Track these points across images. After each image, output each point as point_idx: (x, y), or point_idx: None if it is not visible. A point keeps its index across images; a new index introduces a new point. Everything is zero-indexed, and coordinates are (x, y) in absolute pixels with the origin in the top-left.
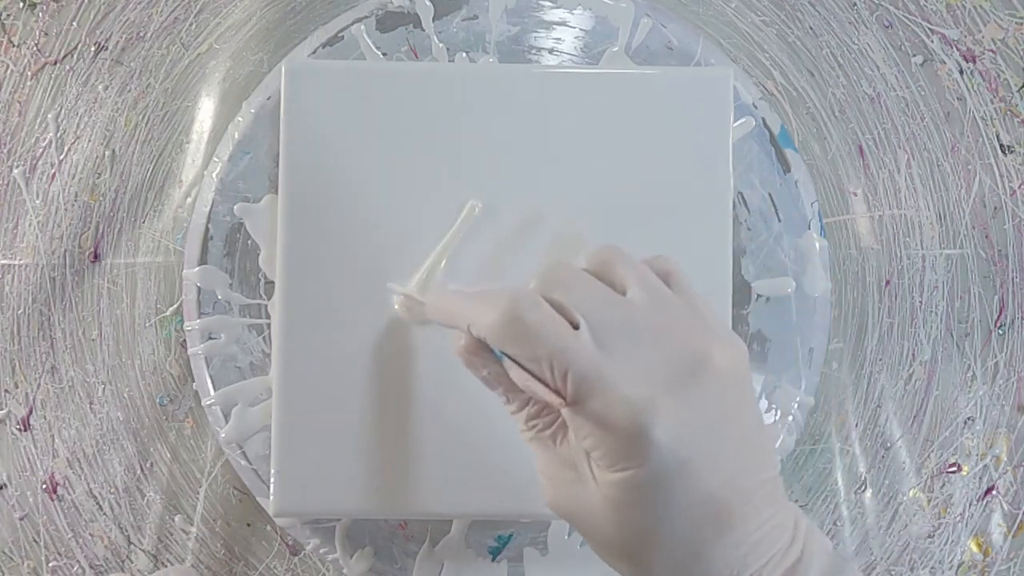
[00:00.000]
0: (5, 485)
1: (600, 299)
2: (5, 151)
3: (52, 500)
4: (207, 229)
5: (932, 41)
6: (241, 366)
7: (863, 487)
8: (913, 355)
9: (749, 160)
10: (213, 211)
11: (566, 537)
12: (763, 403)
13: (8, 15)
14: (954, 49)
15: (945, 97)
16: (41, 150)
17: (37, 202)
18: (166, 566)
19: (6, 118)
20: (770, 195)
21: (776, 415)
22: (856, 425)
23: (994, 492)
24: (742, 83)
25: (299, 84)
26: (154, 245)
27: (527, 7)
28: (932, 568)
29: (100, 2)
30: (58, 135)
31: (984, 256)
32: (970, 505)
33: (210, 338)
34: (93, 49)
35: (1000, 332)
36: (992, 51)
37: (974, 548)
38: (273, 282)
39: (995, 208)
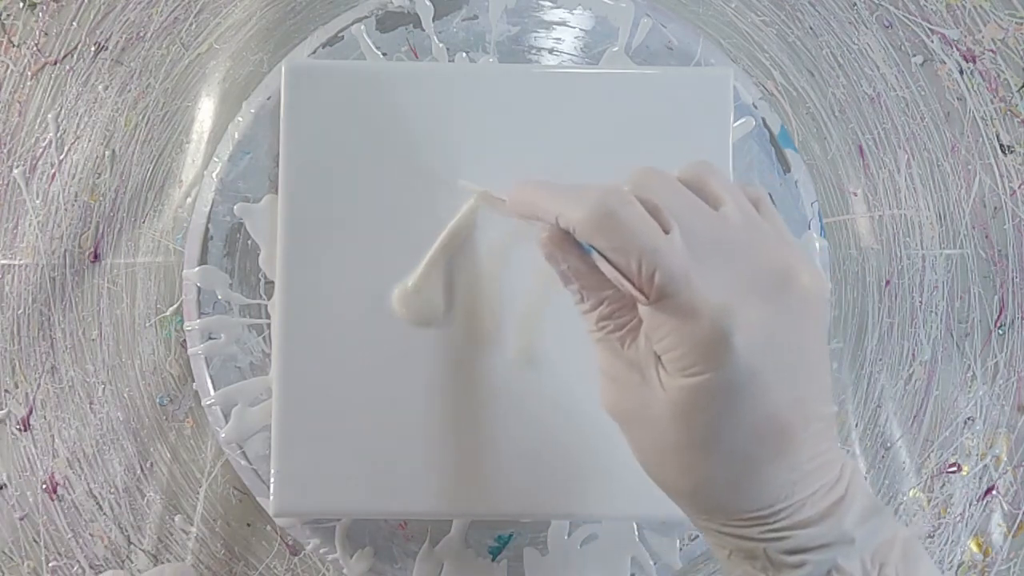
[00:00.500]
0: (5, 485)
1: (693, 208)
2: (5, 151)
3: (52, 500)
4: (207, 229)
5: (932, 41)
6: (241, 366)
7: None
8: (913, 355)
9: (749, 160)
10: (213, 211)
11: (566, 537)
12: None
13: (8, 15)
14: (954, 49)
15: (945, 97)
16: (41, 150)
17: (37, 202)
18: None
19: (6, 118)
20: (770, 195)
21: None
22: (856, 425)
23: (994, 492)
24: (742, 83)
25: (299, 84)
26: (154, 245)
27: (527, 7)
28: None
29: (100, 2)
30: (58, 135)
31: (984, 256)
32: (970, 505)
33: (210, 338)
34: (93, 49)
35: (1000, 332)
36: (992, 51)
37: (974, 548)
38: (273, 282)
39: (995, 208)
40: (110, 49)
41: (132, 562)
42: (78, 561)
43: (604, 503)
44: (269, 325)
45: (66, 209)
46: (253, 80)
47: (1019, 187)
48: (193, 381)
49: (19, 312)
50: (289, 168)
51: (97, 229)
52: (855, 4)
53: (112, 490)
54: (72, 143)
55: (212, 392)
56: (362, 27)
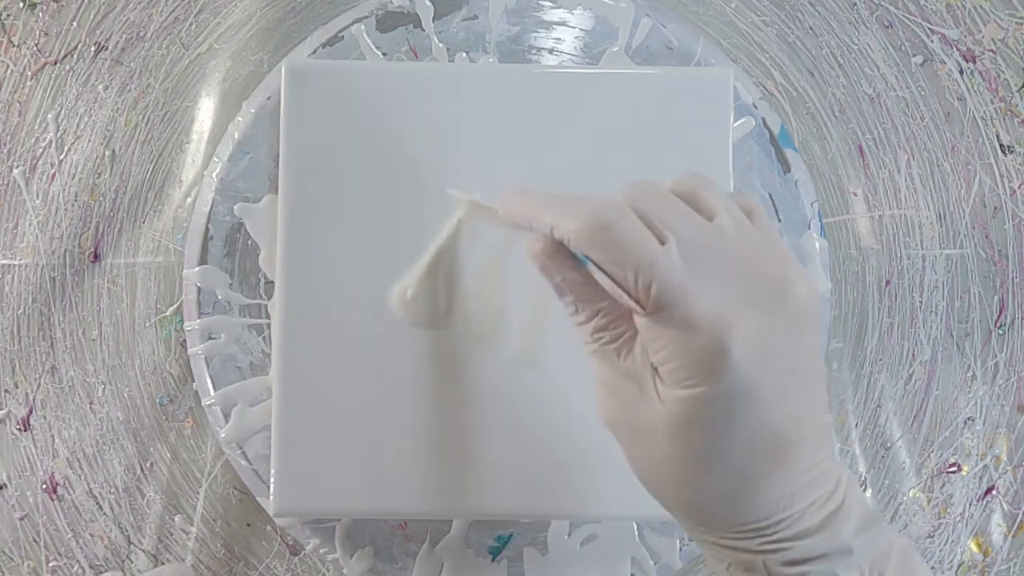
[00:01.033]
0: (5, 485)
1: (688, 219)
2: (5, 151)
3: (52, 500)
4: (207, 229)
5: (932, 41)
6: (241, 366)
7: (863, 487)
8: (913, 355)
9: (749, 160)
10: (213, 211)
11: (566, 537)
12: None
13: (8, 15)
14: (954, 49)
15: (945, 97)
16: (41, 150)
17: (37, 202)
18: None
19: (6, 118)
20: (770, 195)
21: None
22: (856, 425)
23: (994, 492)
24: (742, 83)
25: (299, 84)
26: (154, 245)
27: (527, 7)
28: (932, 568)
29: (100, 2)
30: (58, 135)
31: (984, 256)
32: (970, 505)
33: (210, 338)
34: (93, 49)
35: (1000, 332)
36: (992, 51)
37: (974, 548)
38: (273, 282)
39: (995, 208)
40: (110, 49)
41: (132, 562)
42: (78, 561)
43: (604, 503)
44: (269, 325)
45: (66, 209)
46: (253, 80)
47: (1019, 187)
48: (193, 381)
49: (19, 312)
50: (289, 168)
51: (97, 229)
52: (855, 4)
53: (112, 490)
54: (72, 143)
55: (212, 392)
56: (362, 27)
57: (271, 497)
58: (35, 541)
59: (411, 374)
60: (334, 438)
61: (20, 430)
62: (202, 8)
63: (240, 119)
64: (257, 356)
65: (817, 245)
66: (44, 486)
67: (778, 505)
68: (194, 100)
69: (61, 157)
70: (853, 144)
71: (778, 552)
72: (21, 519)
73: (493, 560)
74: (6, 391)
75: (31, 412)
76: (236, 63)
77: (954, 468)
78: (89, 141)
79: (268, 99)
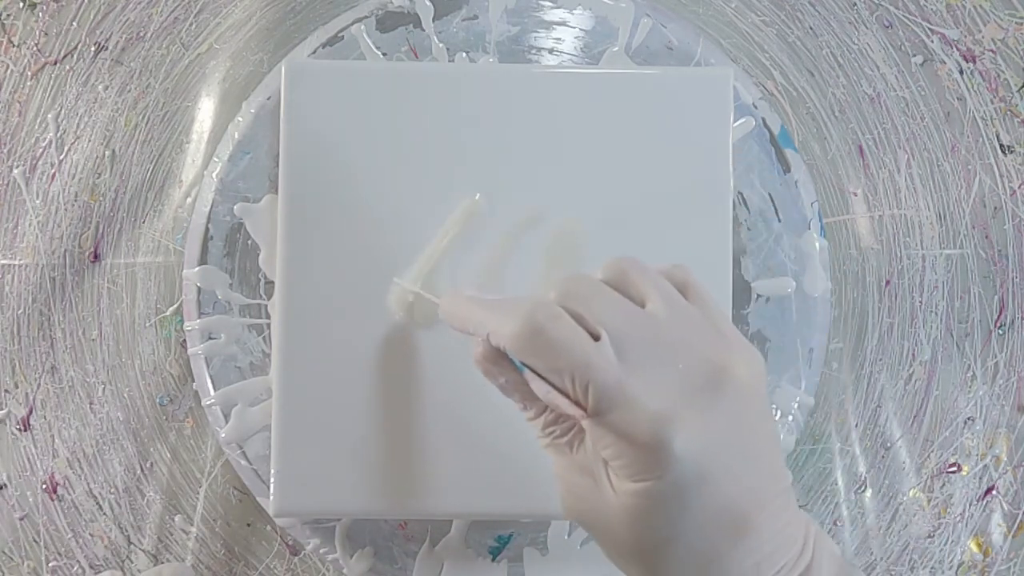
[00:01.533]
0: (5, 485)
1: (620, 312)
2: (5, 151)
3: (52, 500)
4: (207, 229)
5: (932, 41)
6: (241, 366)
7: (863, 487)
8: (913, 355)
9: (749, 160)
10: (213, 211)
11: (566, 537)
12: None
13: (8, 15)
14: (954, 49)
15: (945, 97)
16: (41, 150)
17: (37, 202)
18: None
19: (6, 118)
20: (770, 195)
21: (776, 415)
22: (856, 425)
23: (994, 492)
24: (742, 83)
25: (299, 84)
26: (154, 245)
27: (527, 7)
28: (932, 568)
29: (100, 2)
30: (58, 135)
31: (984, 256)
32: (970, 505)
33: (210, 338)
34: (93, 49)
35: (1000, 332)
36: (992, 51)
37: (974, 548)
38: (273, 282)
39: (995, 208)
40: (110, 49)
41: (132, 562)
42: (78, 561)
43: None
44: (269, 325)
45: (66, 209)
46: (253, 80)
47: (1019, 187)
48: (193, 381)
49: (19, 312)
50: (289, 168)
51: (97, 229)
52: (855, 4)
53: (112, 490)
54: (72, 143)
55: (212, 392)
56: (362, 27)
57: (271, 497)
58: (35, 541)
59: (411, 374)
60: (334, 438)
61: (20, 430)
62: (202, 8)
63: (240, 119)
64: (257, 356)
65: (817, 245)
66: (44, 486)
67: None
68: (194, 100)
69: (61, 157)
70: (853, 144)
71: None
72: (21, 519)
73: (493, 560)
74: (6, 391)
75: (31, 412)
76: (236, 63)
77: (954, 468)
78: (89, 141)
79: (268, 99)
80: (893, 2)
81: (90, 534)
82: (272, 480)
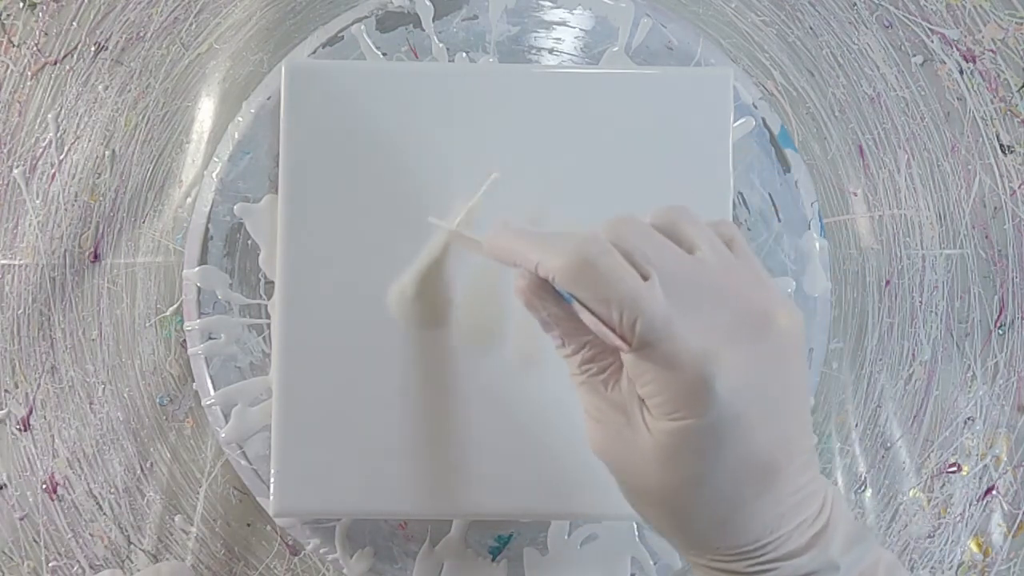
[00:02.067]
0: (5, 485)
1: (668, 254)
2: (5, 151)
3: (52, 500)
4: (207, 229)
5: (932, 41)
6: (241, 366)
7: (863, 487)
8: (913, 355)
9: (749, 160)
10: (213, 211)
11: (566, 537)
12: None
13: (8, 15)
14: (954, 49)
15: (945, 97)
16: (41, 150)
17: (37, 202)
18: None
19: (6, 118)
20: (770, 195)
21: None
22: (856, 425)
23: (994, 492)
24: (742, 83)
25: (299, 84)
26: (154, 245)
27: (527, 7)
28: (932, 568)
29: (100, 2)
30: (58, 135)
31: (984, 256)
32: (970, 505)
33: (210, 338)
34: (93, 49)
35: (1000, 332)
36: (992, 51)
37: (974, 548)
38: (273, 282)
39: (995, 208)
40: (110, 49)
41: (132, 562)
42: (78, 561)
43: (604, 503)
44: (269, 325)
45: (66, 209)
46: (253, 80)
47: (1019, 187)
48: (193, 381)
49: (19, 312)
50: (289, 168)
51: (97, 229)
52: (855, 4)
53: (112, 490)
54: (72, 143)
55: (212, 392)
56: (362, 27)
57: (271, 497)
58: (35, 541)
59: (411, 374)
60: (334, 438)
61: (20, 430)
62: (202, 8)
63: (240, 119)
64: (257, 356)
65: (817, 245)
66: (44, 486)
67: (766, 528)
68: (194, 100)
69: (61, 157)
70: (853, 144)
71: (767, 573)
72: (21, 519)
73: (493, 560)
74: (6, 391)
75: (31, 412)
76: (236, 63)
77: (954, 468)
78: (89, 141)
79: (268, 99)
80: (893, 2)
81: (90, 534)
82: (272, 480)
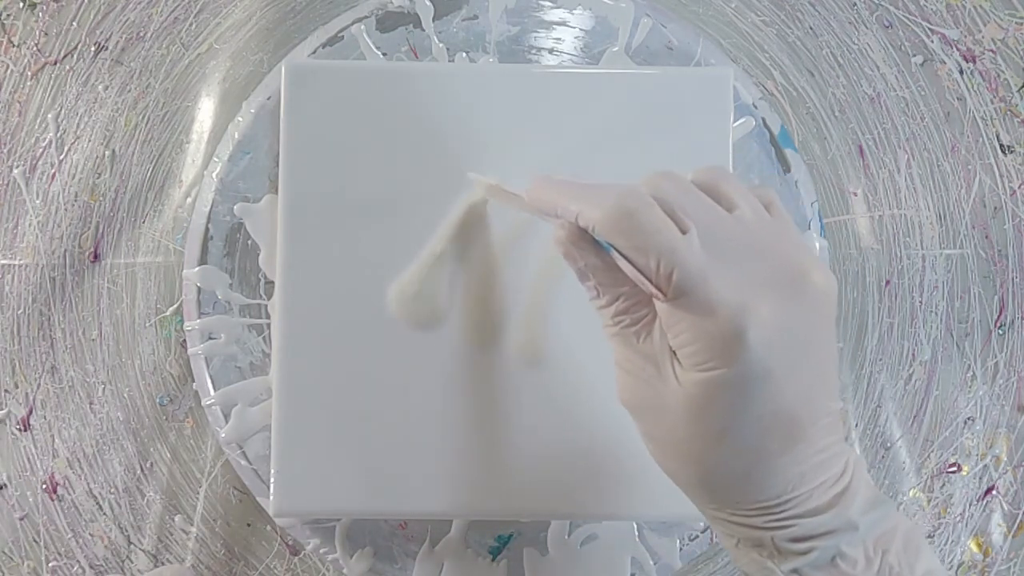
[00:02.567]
0: (5, 485)
1: (708, 210)
2: (5, 151)
3: (52, 500)
4: (207, 229)
5: (932, 41)
6: (241, 366)
7: None
8: (913, 355)
9: (749, 160)
10: (213, 211)
11: (566, 537)
12: None
13: (8, 15)
14: (954, 49)
15: (945, 97)
16: (41, 150)
17: (37, 202)
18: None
19: (6, 118)
20: None
21: None
22: (856, 425)
23: (994, 492)
24: (742, 83)
25: (299, 84)
26: (154, 245)
27: (527, 7)
28: None
29: (100, 2)
30: (58, 135)
31: (984, 256)
32: (970, 505)
33: (210, 338)
34: (93, 49)
35: (1000, 332)
36: (992, 51)
37: (974, 548)
38: (273, 282)
39: (995, 208)
40: (110, 49)
41: (132, 562)
42: (78, 561)
43: (604, 503)
44: (269, 325)
45: (66, 209)
46: (253, 80)
47: (1019, 187)
48: (193, 381)
49: (19, 312)
50: (289, 168)
51: (97, 229)
52: (855, 4)
53: (112, 490)
54: (72, 143)
55: (212, 392)
56: (362, 27)
57: (271, 497)
58: (35, 541)
59: (411, 374)
60: (334, 438)
61: (20, 430)
62: (202, 8)
63: (240, 119)
64: (257, 356)
65: (817, 245)
66: (44, 486)
67: (788, 484)
68: (194, 100)
69: (61, 157)
70: (853, 144)
71: (786, 529)
72: (21, 519)
73: (493, 560)
74: (6, 391)
75: (31, 412)
76: (236, 63)
77: (954, 468)
78: (89, 141)
79: (268, 99)
80: (893, 2)
81: (90, 534)
82: (272, 480)
